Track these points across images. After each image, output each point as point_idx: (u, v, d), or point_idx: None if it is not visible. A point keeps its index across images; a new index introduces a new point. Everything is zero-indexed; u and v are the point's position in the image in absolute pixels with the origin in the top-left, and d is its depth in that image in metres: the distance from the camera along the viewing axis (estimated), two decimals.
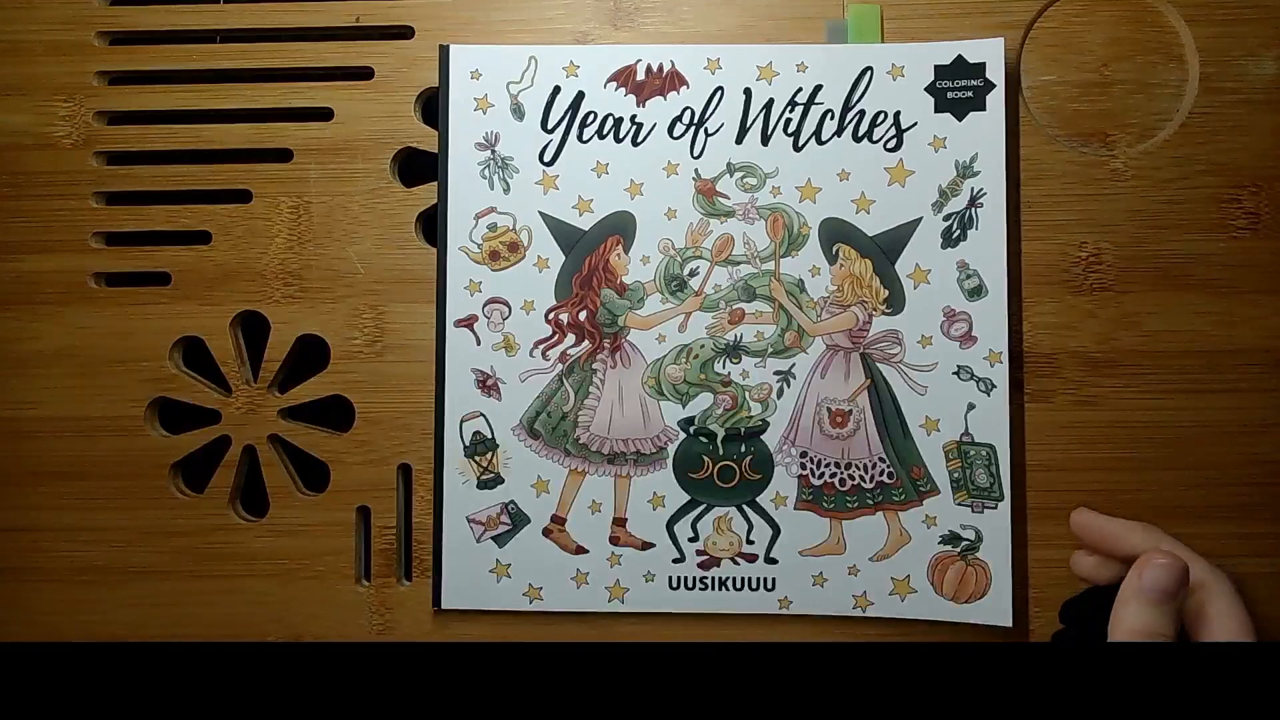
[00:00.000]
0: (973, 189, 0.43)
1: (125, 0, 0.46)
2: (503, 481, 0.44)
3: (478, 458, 0.44)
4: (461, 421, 0.44)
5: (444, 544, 0.44)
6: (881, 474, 0.43)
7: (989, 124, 0.43)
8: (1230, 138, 0.43)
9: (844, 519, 0.43)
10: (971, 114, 0.43)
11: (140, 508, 0.45)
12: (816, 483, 0.43)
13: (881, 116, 0.43)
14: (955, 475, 0.43)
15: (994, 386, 0.42)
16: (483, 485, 0.44)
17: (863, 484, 0.43)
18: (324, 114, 0.45)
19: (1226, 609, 0.37)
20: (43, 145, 0.46)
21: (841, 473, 0.43)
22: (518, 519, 0.44)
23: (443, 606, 0.44)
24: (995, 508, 0.42)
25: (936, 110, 0.43)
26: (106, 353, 0.45)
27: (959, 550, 0.43)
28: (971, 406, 0.43)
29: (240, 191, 0.45)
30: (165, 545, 0.45)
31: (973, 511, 0.43)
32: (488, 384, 0.44)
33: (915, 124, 0.43)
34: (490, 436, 0.44)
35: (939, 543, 0.43)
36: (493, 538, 0.44)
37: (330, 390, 0.45)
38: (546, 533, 0.44)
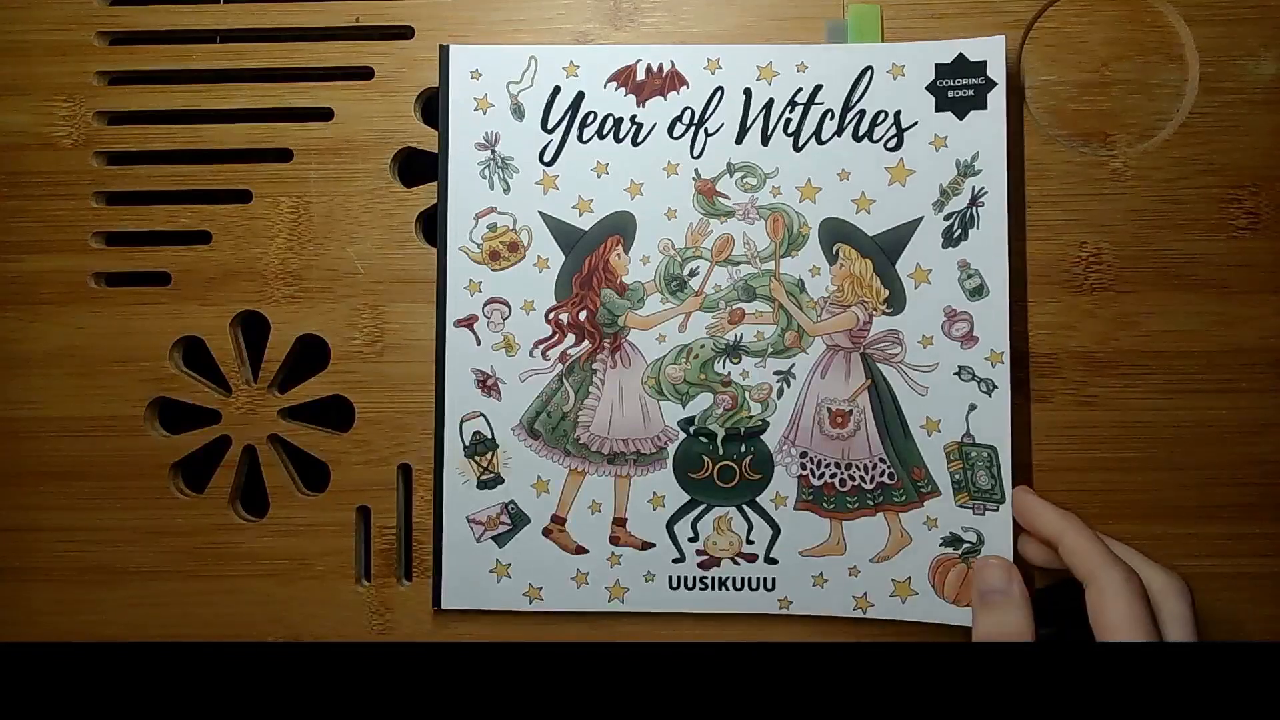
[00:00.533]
0: (974, 188, 0.43)
1: (125, 0, 0.46)
2: (503, 481, 0.44)
3: (478, 458, 0.44)
4: (461, 421, 0.44)
5: (444, 544, 0.44)
6: (882, 475, 0.43)
7: (990, 122, 0.43)
8: (1230, 138, 0.43)
9: (844, 519, 0.43)
10: (972, 113, 0.43)
11: (140, 508, 0.45)
12: (816, 483, 0.43)
13: (882, 116, 0.43)
14: (956, 476, 0.43)
15: (995, 387, 0.42)
16: (483, 485, 0.44)
17: (863, 485, 0.43)
18: (324, 114, 0.45)
19: (1109, 603, 0.36)
20: (43, 145, 0.46)
21: (842, 473, 0.43)
22: (518, 519, 0.44)
23: (443, 606, 0.44)
24: (997, 510, 0.42)
25: (937, 109, 0.43)
26: (106, 353, 0.45)
27: (960, 553, 0.42)
28: (973, 407, 0.43)
29: (240, 191, 0.45)
30: (165, 545, 0.45)
31: (974, 514, 0.42)
32: (488, 384, 0.44)
33: (916, 123, 0.43)
34: (490, 436, 0.44)
35: (940, 544, 0.43)
36: (493, 538, 0.44)
37: (330, 390, 0.45)
38: (546, 533, 0.44)
